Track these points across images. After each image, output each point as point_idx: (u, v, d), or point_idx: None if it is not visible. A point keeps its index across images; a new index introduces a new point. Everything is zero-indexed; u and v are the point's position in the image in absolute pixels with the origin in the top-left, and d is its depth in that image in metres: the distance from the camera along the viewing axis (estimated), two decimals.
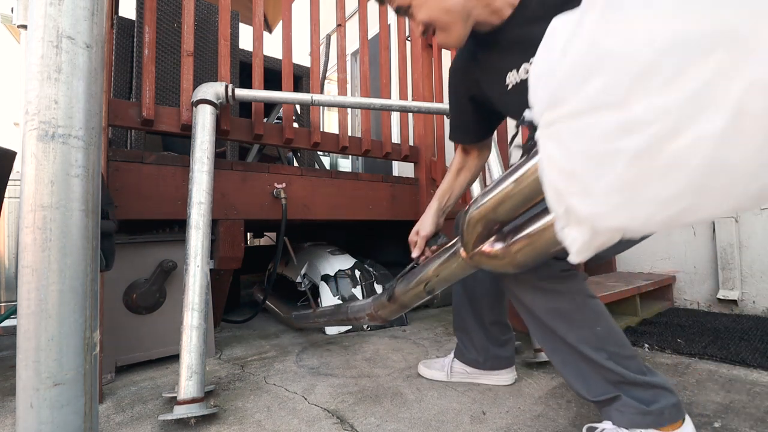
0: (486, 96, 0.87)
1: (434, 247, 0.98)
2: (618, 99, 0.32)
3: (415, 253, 1.02)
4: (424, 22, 0.78)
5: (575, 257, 0.42)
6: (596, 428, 0.80)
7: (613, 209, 0.36)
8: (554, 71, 0.38)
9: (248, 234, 3.65)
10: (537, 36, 0.48)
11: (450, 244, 0.77)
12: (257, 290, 2.79)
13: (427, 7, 0.75)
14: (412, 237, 1.04)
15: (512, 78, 0.76)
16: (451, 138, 1.03)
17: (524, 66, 0.72)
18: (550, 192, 0.41)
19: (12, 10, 0.89)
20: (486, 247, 0.65)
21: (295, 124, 2.30)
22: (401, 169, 4.13)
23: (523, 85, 0.71)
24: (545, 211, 0.56)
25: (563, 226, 0.43)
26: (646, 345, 1.50)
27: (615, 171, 0.34)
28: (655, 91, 0.29)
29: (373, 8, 2.11)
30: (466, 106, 0.93)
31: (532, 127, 0.44)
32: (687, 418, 0.78)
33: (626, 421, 0.77)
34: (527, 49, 0.64)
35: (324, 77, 2.86)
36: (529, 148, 0.48)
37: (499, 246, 0.63)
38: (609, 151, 0.33)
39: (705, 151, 0.29)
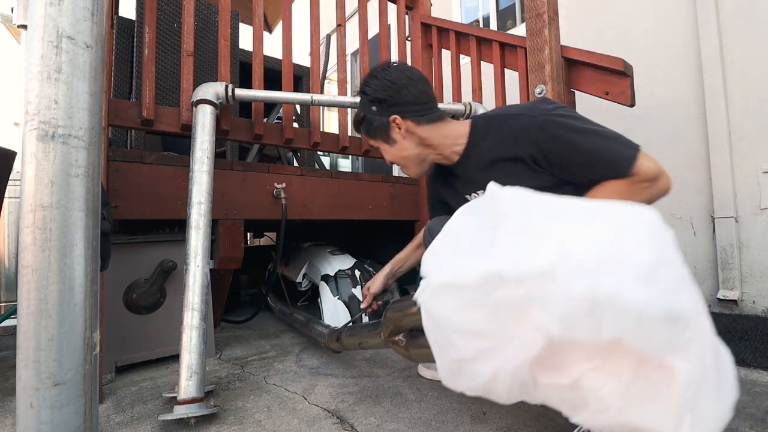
0: (450, 203, 1.10)
1: (379, 302, 1.29)
2: (448, 332, 0.57)
3: (363, 305, 1.29)
4: (388, 161, 1.05)
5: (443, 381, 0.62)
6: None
7: (445, 377, 0.60)
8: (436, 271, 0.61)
9: (248, 234, 3.65)
10: (480, 180, 0.88)
11: (379, 321, 1.00)
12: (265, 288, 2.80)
13: (389, 153, 1.01)
14: (364, 291, 1.30)
15: (471, 197, 0.98)
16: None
17: (472, 195, 0.97)
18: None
19: (12, 10, 0.88)
20: (396, 337, 0.89)
21: (295, 124, 2.30)
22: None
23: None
24: None
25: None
26: None
27: (448, 360, 0.58)
28: (461, 350, 0.55)
29: (373, 8, 2.11)
30: (438, 204, 1.15)
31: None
32: None
33: None
34: (476, 184, 0.94)
35: (324, 77, 2.87)
36: None
37: (403, 341, 0.87)
38: (445, 347, 0.58)
39: (480, 381, 0.54)
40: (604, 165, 0.78)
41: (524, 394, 0.53)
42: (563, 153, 0.80)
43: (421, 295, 0.62)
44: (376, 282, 1.27)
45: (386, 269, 1.27)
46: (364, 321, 1.57)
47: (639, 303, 0.42)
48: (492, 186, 0.60)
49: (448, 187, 1.06)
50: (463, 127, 0.96)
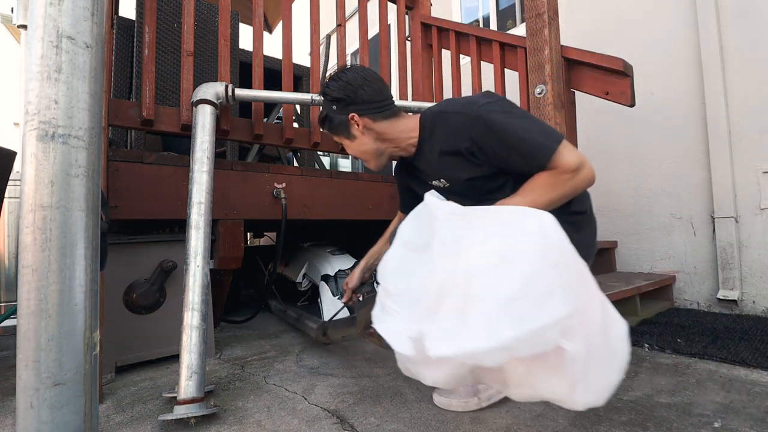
0: (416, 190, 1.19)
1: (358, 294, 1.37)
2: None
3: (344, 300, 1.38)
4: (351, 155, 1.11)
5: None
6: None
7: (403, 370, 0.80)
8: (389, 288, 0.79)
9: (248, 234, 3.65)
10: (434, 171, 1.02)
11: (355, 316, 1.18)
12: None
13: (351, 148, 1.10)
14: (343, 286, 1.39)
15: (433, 183, 1.07)
16: (400, 210, 1.35)
17: (434, 182, 1.06)
18: None
19: (12, 10, 0.88)
20: (369, 330, 1.01)
21: (295, 124, 2.30)
22: None
23: (435, 188, 1.03)
24: None
25: None
26: (646, 345, 1.50)
27: (404, 358, 0.75)
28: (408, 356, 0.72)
29: (373, 8, 2.11)
30: (405, 191, 1.25)
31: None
32: None
33: None
34: (433, 174, 1.04)
35: (324, 77, 2.86)
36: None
37: (375, 332, 0.99)
38: (398, 351, 0.72)
39: (428, 379, 0.74)
40: (526, 157, 0.85)
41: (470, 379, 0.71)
42: (492, 145, 0.88)
43: (374, 313, 0.81)
44: (354, 277, 1.36)
45: (361, 264, 1.36)
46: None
47: (513, 340, 0.55)
48: (429, 197, 0.79)
49: (412, 177, 1.16)
50: (414, 121, 1.05)
